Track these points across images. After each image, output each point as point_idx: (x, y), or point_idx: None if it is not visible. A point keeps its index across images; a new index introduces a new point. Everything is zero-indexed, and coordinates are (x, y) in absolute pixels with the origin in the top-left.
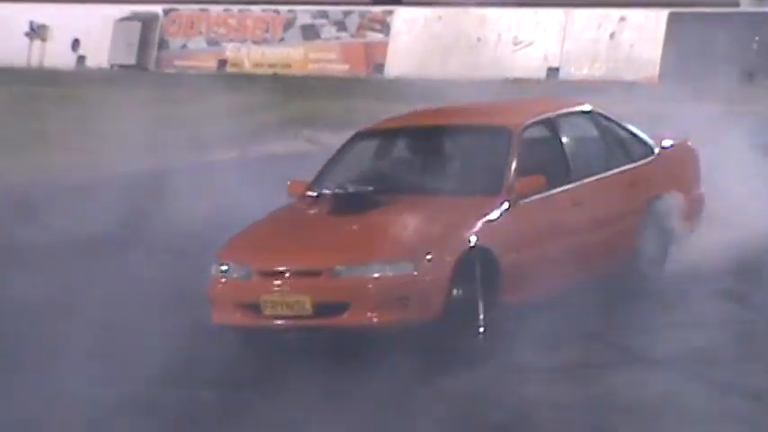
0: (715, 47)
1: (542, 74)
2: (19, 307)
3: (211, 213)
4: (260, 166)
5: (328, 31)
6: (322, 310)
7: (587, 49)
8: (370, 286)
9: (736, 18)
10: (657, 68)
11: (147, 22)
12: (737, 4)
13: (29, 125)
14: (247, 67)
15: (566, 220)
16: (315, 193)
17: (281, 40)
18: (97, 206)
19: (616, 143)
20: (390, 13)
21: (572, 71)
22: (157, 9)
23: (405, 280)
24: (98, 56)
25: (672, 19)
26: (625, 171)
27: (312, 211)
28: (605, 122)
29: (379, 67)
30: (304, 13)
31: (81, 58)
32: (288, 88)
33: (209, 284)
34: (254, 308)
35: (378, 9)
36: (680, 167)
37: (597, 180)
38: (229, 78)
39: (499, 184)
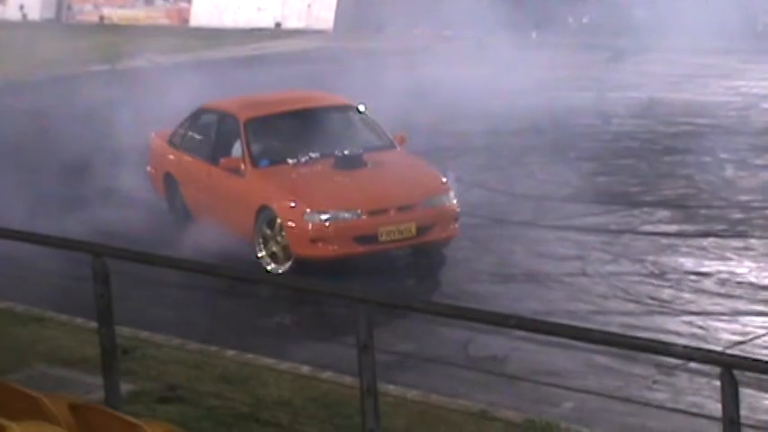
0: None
1: (272, 24)
2: None
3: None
4: (125, 73)
5: (159, 1)
6: (421, 231)
7: (299, 10)
8: (449, 211)
9: None
10: (332, 22)
11: None
12: None
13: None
14: (115, 20)
15: None
16: (304, 158)
17: (133, 6)
18: None
19: None
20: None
21: (288, 24)
22: None
23: (455, 206)
24: (33, 12)
25: None
26: None
27: (319, 168)
28: None
29: (186, 21)
30: None
31: (24, 15)
32: (137, 31)
33: (310, 228)
34: (371, 238)
35: None
36: None
37: None
38: (105, 27)
39: (390, 141)
